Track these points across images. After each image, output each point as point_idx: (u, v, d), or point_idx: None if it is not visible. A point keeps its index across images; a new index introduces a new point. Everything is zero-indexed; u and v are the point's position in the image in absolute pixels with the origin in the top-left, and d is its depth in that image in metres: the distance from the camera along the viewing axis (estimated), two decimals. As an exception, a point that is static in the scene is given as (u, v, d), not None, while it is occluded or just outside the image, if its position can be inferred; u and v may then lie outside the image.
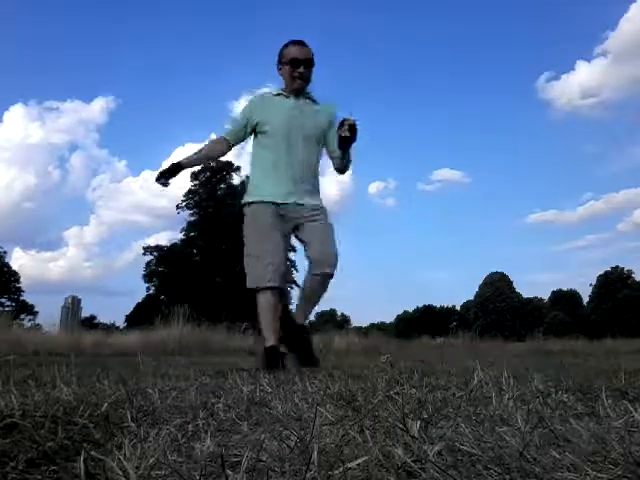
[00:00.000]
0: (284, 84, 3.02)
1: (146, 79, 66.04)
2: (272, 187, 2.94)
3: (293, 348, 2.86)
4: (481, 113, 69.24)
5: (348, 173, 3.22)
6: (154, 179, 2.99)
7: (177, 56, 67.08)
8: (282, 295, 2.91)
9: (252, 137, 3.06)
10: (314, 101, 3.08)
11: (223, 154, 3.16)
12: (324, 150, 3.10)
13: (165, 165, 3.04)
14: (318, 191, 3.09)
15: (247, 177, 3.27)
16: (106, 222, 56.87)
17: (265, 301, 2.82)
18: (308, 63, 2.95)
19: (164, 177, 2.98)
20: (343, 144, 2.83)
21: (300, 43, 2.97)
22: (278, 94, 3.03)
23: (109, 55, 62.61)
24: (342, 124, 2.72)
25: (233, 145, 3.07)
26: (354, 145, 2.86)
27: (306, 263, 2.96)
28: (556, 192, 70.48)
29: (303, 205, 2.95)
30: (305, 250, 2.95)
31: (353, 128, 2.73)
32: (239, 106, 3.34)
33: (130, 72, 64.45)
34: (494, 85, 70.22)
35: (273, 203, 2.90)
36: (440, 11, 67.69)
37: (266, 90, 3.16)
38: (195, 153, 3.11)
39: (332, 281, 2.95)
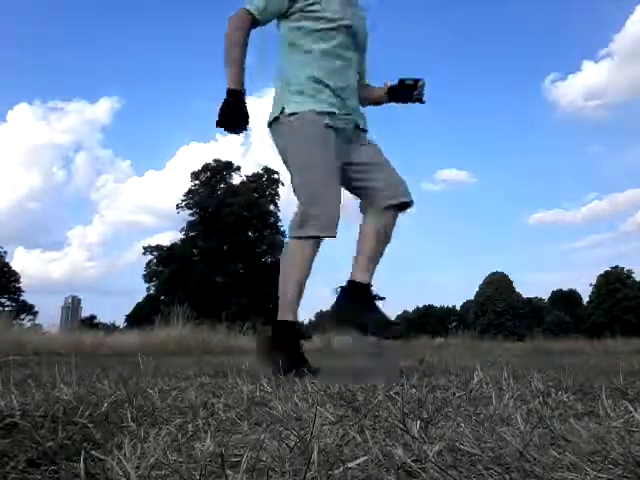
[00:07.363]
0: None
1: (150, 80, 66.05)
2: (329, 93, 2.13)
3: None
4: (486, 113, 69.23)
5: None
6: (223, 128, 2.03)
7: (181, 57, 67.15)
8: None
9: (288, 19, 2.17)
10: None
11: (246, 39, 2.11)
12: None
13: (223, 111, 2.02)
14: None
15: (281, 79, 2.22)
16: (109, 222, 57.04)
17: (308, 255, 2.07)
18: None
19: (234, 124, 2.05)
20: (400, 97, 2.34)
21: None
22: None
23: (114, 56, 62.64)
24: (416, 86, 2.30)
25: (260, 22, 2.13)
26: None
27: (357, 203, 2.24)
28: (560, 192, 70.40)
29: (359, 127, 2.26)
30: (359, 181, 2.20)
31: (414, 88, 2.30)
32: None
33: (135, 73, 64.55)
34: (500, 85, 70.17)
35: (328, 114, 2.10)
36: (446, 10, 67.67)
37: None
38: (230, 59, 2.07)
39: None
